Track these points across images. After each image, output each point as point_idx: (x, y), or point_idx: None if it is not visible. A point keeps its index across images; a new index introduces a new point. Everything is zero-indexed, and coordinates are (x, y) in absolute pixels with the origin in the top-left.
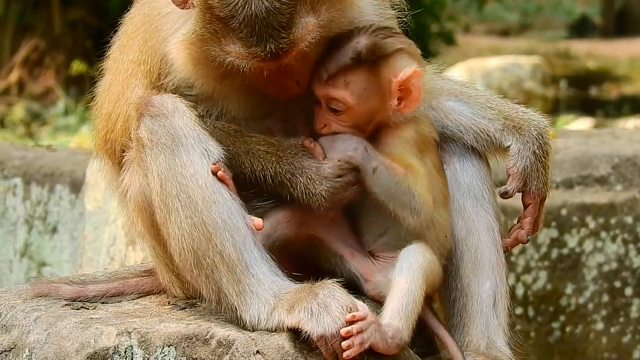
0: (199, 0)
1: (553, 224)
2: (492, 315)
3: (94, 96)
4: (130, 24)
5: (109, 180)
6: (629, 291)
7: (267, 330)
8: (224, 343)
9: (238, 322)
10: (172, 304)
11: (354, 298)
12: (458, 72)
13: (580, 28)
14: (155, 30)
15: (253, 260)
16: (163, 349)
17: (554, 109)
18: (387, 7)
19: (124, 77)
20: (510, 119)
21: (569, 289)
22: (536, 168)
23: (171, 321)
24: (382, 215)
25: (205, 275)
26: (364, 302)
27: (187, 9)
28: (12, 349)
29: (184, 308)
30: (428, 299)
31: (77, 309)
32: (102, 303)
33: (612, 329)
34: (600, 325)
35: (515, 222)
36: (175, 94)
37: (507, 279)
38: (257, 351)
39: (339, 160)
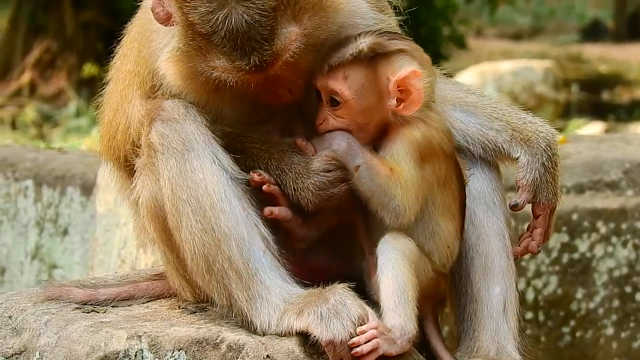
0: (180, 17)
1: (564, 228)
2: (502, 320)
3: (102, 99)
4: (130, 34)
5: (118, 187)
6: (639, 296)
7: (277, 334)
8: (234, 347)
9: (249, 327)
10: (183, 308)
11: (365, 305)
12: (469, 75)
13: (593, 32)
14: (148, 42)
15: (261, 267)
16: (173, 352)
17: (565, 113)
18: (384, 8)
19: (122, 87)
20: (518, 131)
21: (579, 294)
22: (545, 179)
23: (181, 325)
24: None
25: (216, 280)
26: (372, 308)
27: (170, 25)
28: (22, 352)
29: (195, 312)
30: (434, 310)
31: (88, 313)
32: (113, 307)
33: (623, 334)
34: (610, 330)
35: (525, 228)
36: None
37: (516, 285)
38: (267, 355)
39: (326, 156)
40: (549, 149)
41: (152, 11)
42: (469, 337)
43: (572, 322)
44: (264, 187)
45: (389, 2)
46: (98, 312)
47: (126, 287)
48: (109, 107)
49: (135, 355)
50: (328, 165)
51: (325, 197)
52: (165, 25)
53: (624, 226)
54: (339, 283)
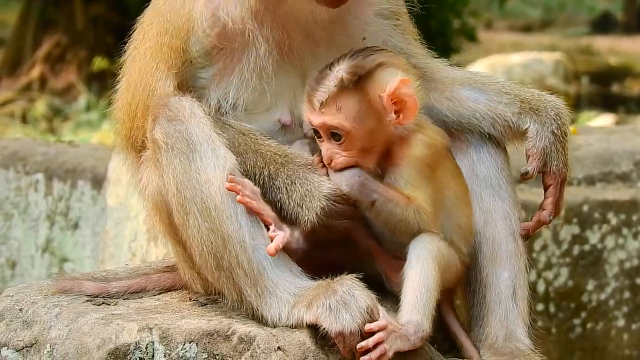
0: None
1: (575, 220)
2: (511, 305)
3: (115, 92)
4: (146, 18)
5: (133, 175)
6: None
7: (288, 326)
8: (245, 339)
9: (260, 320)
10: (194, 300)
11: (373, 297)
12: (480, 68)
13: (603, 24)
14: (179, 8)
15: (268, 265)
16: (184, 345)
17: (575, 105)
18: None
19: (142, 65)
20: (526, 102)
21: (590, 286)
22: (556, 148)
23: (192, 317)
24: None
25: (225, 276)
26: (382, 305)
27: None
28: (33, 344)
29: (205, 304)
30: (449, 295)
31: (99, 305)
32: (124, 299)
33: (634, 326)
34: (621, 322)
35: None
36: (193, 74)
37: (526, 268)
38: (279, 347)
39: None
40: (558, 117)
41: None
42: (479, 323)
43: (583, 314)
44: (237, 198)
45: None
46: (109, 305)
47: (137, 279)
48: (126, 89)
49: (146, 348)
50: (339, 197)
51: (326, 224)
52: None
53: (634, 218)
54: (347, 274)
